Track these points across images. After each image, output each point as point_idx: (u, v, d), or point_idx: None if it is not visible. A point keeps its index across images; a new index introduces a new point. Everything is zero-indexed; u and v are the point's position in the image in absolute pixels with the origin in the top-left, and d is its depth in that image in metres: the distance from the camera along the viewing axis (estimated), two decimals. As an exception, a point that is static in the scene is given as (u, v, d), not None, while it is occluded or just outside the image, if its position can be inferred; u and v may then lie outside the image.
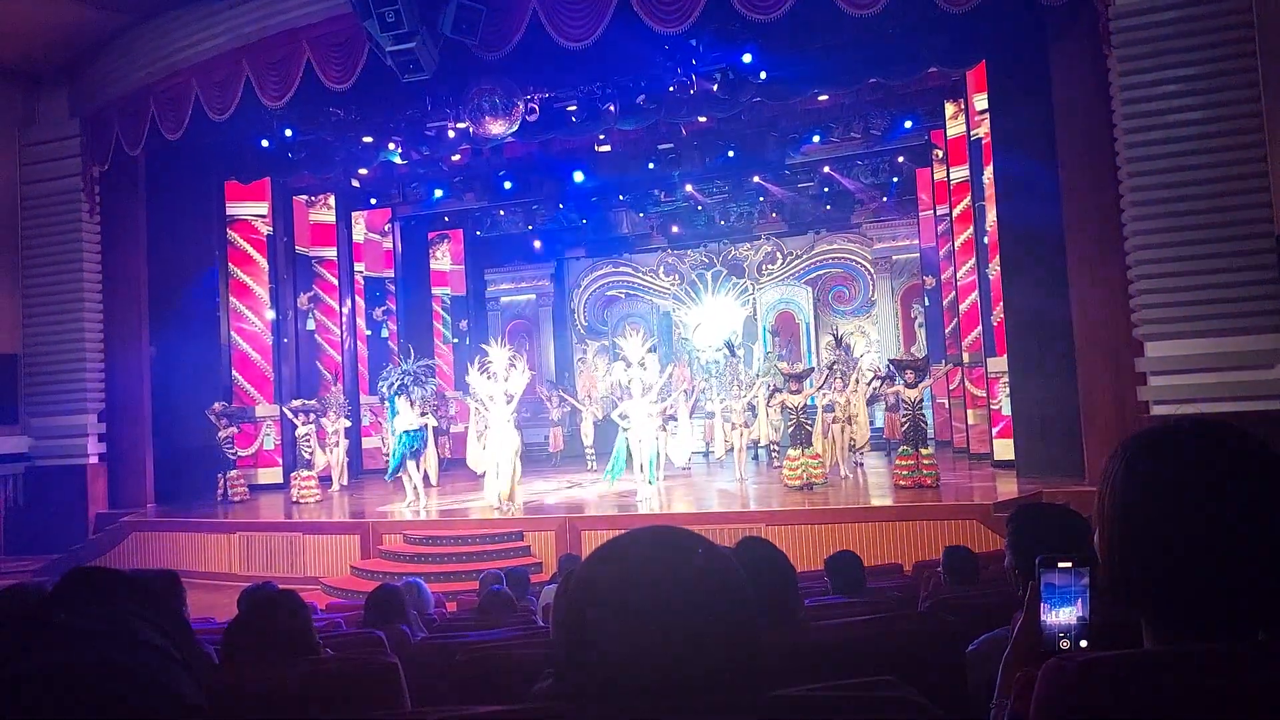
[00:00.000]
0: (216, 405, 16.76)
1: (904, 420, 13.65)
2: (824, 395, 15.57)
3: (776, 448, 17.39)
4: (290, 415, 17.09)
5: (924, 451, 13.09)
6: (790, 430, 14.12)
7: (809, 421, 14.19)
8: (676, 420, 17.41)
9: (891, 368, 15.14)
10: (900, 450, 13.58)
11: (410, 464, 14.83)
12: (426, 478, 15.96)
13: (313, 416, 16.95)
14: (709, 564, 1.11)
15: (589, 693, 1.08)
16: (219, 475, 16.66)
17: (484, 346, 14.86)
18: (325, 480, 17.73)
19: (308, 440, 16.68)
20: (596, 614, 1.09)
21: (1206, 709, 1.15)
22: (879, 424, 19.18)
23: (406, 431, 14.86)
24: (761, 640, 1.11)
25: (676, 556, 1.11)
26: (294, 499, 16.01)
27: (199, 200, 17.68)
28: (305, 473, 16.29)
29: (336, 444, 17.98)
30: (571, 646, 1.11)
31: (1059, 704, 1.20)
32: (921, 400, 13.63)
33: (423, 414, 15.27)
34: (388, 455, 16.27)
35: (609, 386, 14.80)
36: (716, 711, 1.05)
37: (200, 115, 14.50)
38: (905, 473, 13.06)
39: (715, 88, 14.28)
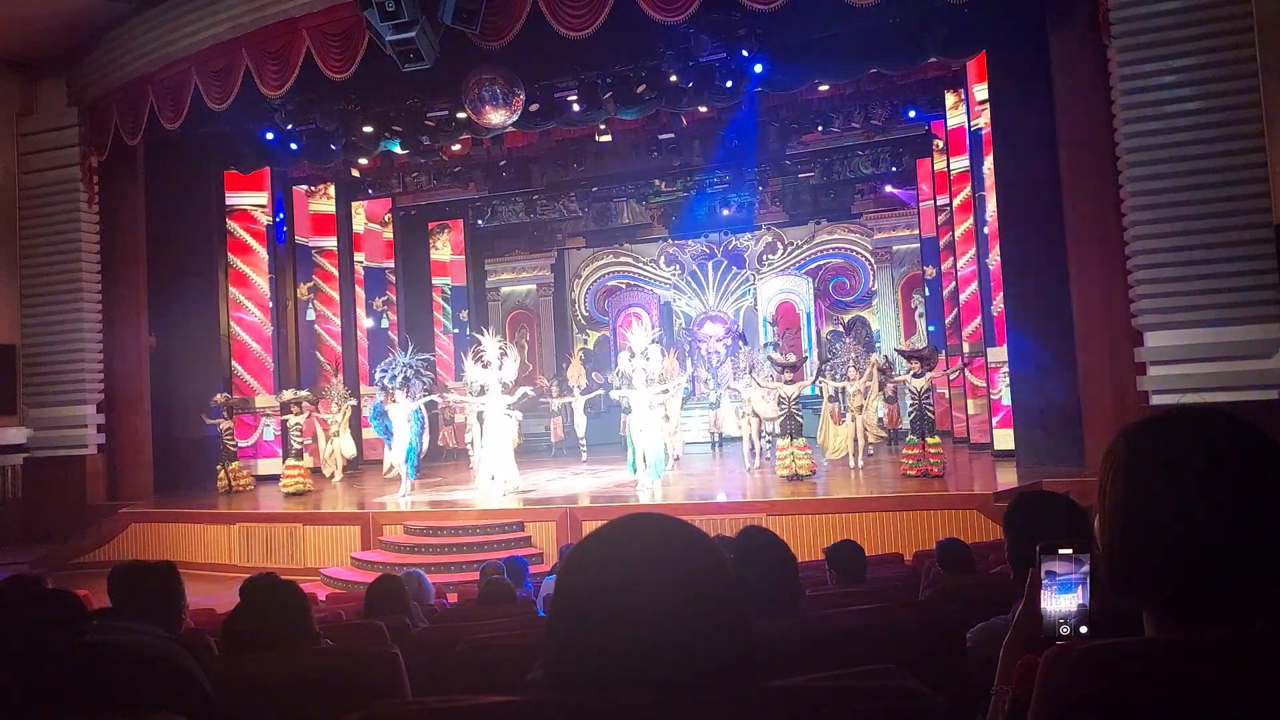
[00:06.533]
0: (219, 397, 16.67)
1: (911, 409, 13.62)
2: (830, 383, 15.44)
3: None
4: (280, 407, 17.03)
5: (930, 441, 13.05)
6: (782, 420, 14.09)
7: (800, 412, 14.15)
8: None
9: (896, 356, 15.08)
10: (907, 440, 13.56)
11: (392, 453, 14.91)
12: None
13: (305, 406, 16.92)
14: (695, 551, 1.12)
15: (577, 682, 1.08)
16: (218, 467, 16.52)
17: (476, 335, 14.86)
18: (318, 471, 17.73)
19: (299, 430, 16.63)
20: (581, 602, 1.10)
21: (1206, 697, 1.15)
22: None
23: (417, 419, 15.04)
24: (752, 628, 1.11)
25: (662, 544, 1.12)
26: (286, 490, 15.63)
27: (198, 190, 17.61)
28: (295, 463, 16.08)
29: (336, 434, 17.94)
30: (558, 635, 1.11)
31: (1060, 691, 1.21)
32: (929, 390, 13.62)
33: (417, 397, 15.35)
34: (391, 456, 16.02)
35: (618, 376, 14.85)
36: (712, 702, 1.05)
37: (199, 104, 14.46)
38: (912, 462, 13.02)
39: (716, 78, 14.24)
